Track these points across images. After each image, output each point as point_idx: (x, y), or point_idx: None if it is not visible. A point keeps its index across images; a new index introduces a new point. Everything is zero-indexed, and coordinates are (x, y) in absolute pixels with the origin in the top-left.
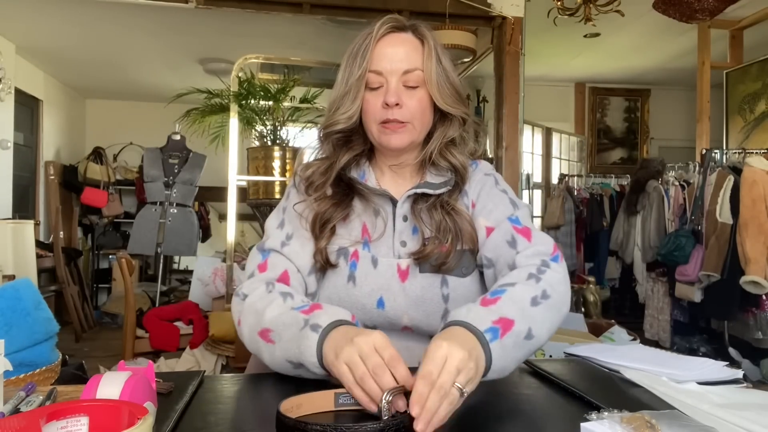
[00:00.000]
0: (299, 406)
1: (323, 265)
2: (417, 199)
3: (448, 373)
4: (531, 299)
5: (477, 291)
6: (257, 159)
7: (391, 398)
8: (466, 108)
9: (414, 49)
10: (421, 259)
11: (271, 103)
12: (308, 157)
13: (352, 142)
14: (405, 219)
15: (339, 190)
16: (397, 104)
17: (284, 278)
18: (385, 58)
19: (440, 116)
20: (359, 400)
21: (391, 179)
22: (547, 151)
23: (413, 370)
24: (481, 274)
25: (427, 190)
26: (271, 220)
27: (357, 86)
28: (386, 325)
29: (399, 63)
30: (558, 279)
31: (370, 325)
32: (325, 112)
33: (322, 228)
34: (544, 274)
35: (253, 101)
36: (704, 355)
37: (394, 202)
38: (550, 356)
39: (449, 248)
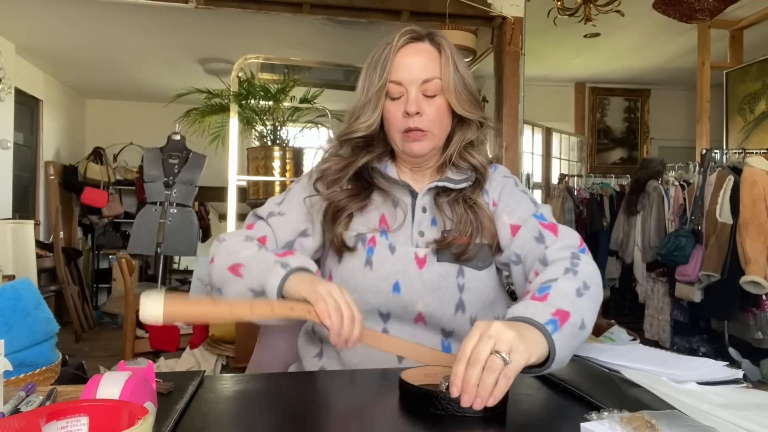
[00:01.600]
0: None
1: (339, 250)
2: (439, 192)
3: (482, 344)
4: (575, 291)
5: (491, 285)
6: (257, 159)
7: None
8: (483, 112)
9: (431, 58)
10: (441, 248)
11: (271, 103)
12: (325, 154)
13: (373, 145)
14: (424, 210)
15: (358, 184)
16: (417, 113)
17: (261, 242)
18: (405, 68)
19: (458, 120)
20: (333, 325)
21: (411, 177)
22: (547, 151)
23: (417, 371)
24: (499, 270)
25: (448, 184)
26: (275, 196)
27: (377, 96)
28: (400, 311)
29: (418, 73)
30: (591, 270)
31: (384, 311)
32: (345, 119)
33: (336, 215)
34: (578, 267)
35: (253, 101)
36: (704, 355)
37: (413, 194)
38: None
39: (469, 240)
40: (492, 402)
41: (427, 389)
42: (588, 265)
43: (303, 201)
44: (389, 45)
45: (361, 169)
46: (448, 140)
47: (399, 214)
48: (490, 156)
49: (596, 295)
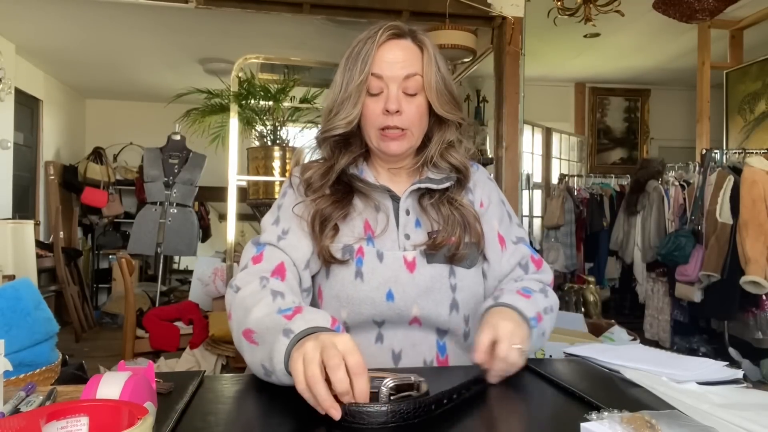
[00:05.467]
0: None
1: (327, 262)
2: (422, 194)
3: (510, 349)
4: (544, 308)
5: (480, 282)
6: (257, 159)
7: (392, 385)
8: (462, 113)
9: (414, 55)
10: (431, 250)
11: (271, 103)
12: (307, 157)
13: (351, 144)
14: (408, 213)
15: (339, 188)
16: (397, 111)
17: (280, 270)
18: (386, 63)
19: (436, 120)
20: (308, 400)
21: (388, 178)
22: (547, 151)
23: (418, 370)
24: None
25: (430, 185)
26: (267, 218)
27: (358, 91)
28: (395, 318)
29: (400, 70)
30: (555, 301)
31: (379, 319)
32: (323, 116)
33: (322, 226)
34: (548, 294)
35: (253, 101)
36: (704, 355)
37: (394, 197)
38: (550, 356)
39: (458, 240)
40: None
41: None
42: (554, 298)
43: (298, 216)
44: (371, 39)
45: (340, 173)
46: (426, 140)
47: (382, 219)
48: (472, 149)
49: (553, 321)
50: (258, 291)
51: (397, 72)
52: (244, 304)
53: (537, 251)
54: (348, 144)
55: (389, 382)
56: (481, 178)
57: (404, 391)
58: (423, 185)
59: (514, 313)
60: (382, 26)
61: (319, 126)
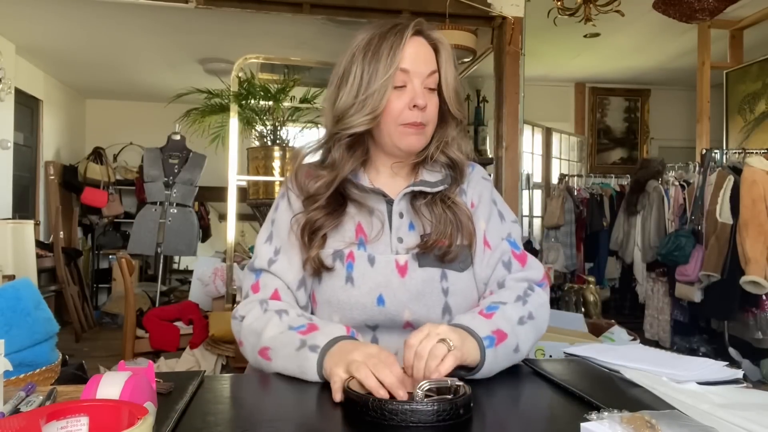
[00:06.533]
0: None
1: (318, 269)
2: (415, 195)
3: (429, 340)
4: (518, 318)
5: (473, 286)
6: (257, 159)
7: (427, 387)
8: (464, 111)
9: (431, 53)
10: (423, 252)
11: (271, 103)
12: (307, 159)
13: (357, 149)
14: (401, 216)
15: (333, 199)
16: (424, 107)
17: (275, 297)
18: (412, 59)
19: (440, 119)
20: (349, 394)
21: (386, 178)
22: (547, 151)
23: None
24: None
25: (424, 188)
26: (260, 235)
27: (385, 86)
28: (388, 323)
29: (424, 66)
30: (541, 303)
31: (371, 324)
32: (334, 115)
33: (312, 236)
34: (530, 297)
35: (253, 101)
36: (704, 355)
37: (387, 200)
38: (550, 356)
39: (450, 241)
40: (437, 375)
41: (367, 396)
42: (540, 298)
43: (290, 229)
44: (391, 33)
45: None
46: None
47: (375, 223)
48: (487, 154)
49: (538, 325)
50: (262, 315)
51: (422, 68)
52: (253, 329)
53: (536, 250)
54: (354, 149)
55: (424, 385)
56: (474, 178)
57: (441, 394)
58: (417, 188)
59: (465, 332)
60: (406, 22)
61: (320, 126)
